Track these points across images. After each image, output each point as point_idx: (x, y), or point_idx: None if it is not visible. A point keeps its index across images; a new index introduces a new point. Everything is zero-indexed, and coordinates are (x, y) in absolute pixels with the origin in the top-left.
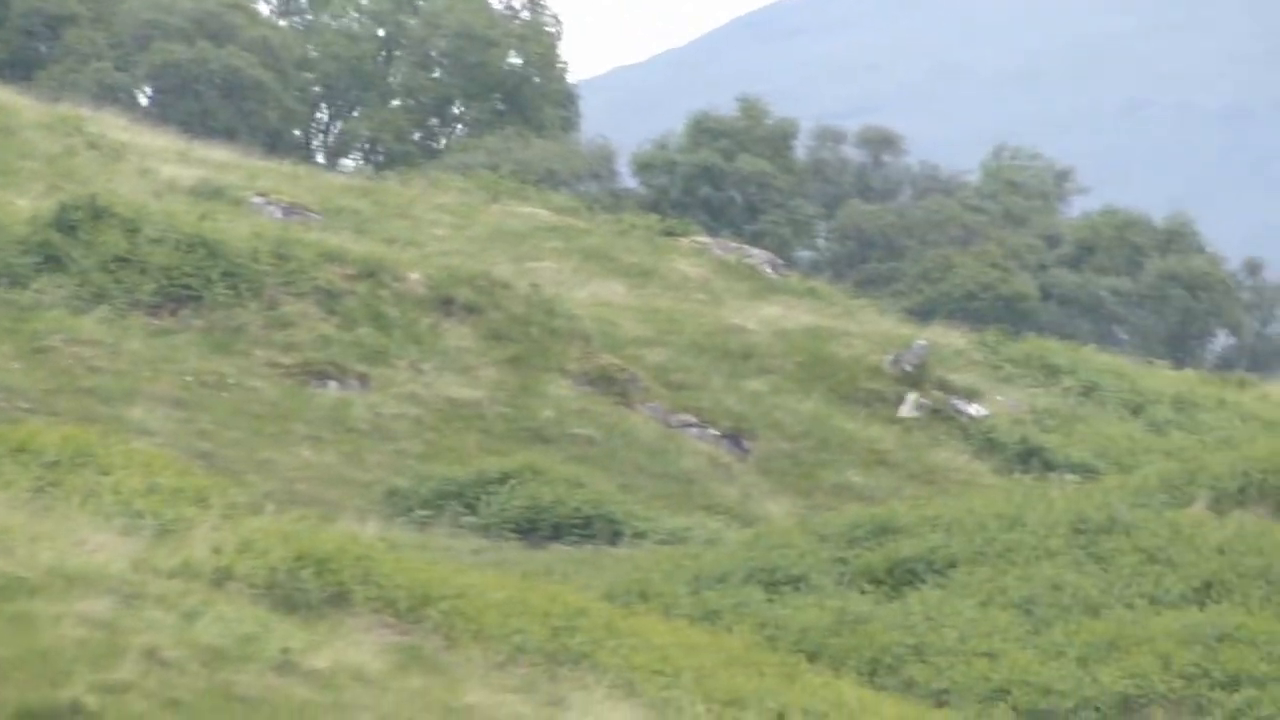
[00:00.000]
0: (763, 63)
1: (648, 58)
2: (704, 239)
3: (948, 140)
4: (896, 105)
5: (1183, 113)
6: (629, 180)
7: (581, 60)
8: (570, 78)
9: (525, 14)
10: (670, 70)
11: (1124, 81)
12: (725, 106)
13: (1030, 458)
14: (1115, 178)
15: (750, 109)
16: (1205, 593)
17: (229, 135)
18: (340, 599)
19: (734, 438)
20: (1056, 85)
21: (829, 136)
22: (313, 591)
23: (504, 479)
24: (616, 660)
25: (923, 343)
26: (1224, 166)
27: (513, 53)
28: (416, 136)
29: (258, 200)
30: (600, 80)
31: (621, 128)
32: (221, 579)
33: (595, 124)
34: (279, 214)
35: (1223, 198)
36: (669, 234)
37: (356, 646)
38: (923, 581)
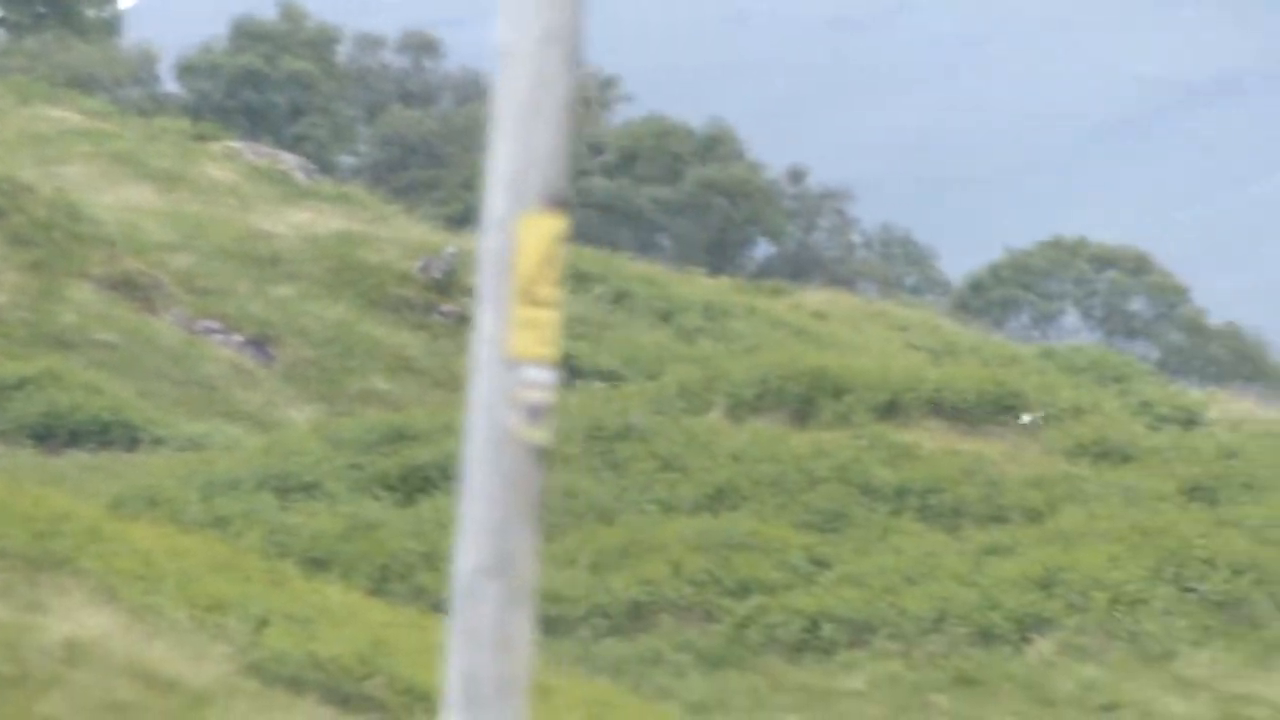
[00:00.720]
0: None
1: None
2: (236, 144)
3: None
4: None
5: (787, 24)
6: (175, 85)
7: None
8: None
9: None
10: None
11: None
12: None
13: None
14: (718, 88)
15: (291, 12)
16: (718, 500)
17: None
18: None
19: (258, 344)
20: None
21: (370, 43)
22: None
23: (21, 385)
24: (99, 565)
25: (452, 250)
26: (827, 77)
27: None
28: None
29: None
30: None
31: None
32: None
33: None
34: None
35: (823, 108)
36: (200, 139)
37: None
38: (436, 488)
